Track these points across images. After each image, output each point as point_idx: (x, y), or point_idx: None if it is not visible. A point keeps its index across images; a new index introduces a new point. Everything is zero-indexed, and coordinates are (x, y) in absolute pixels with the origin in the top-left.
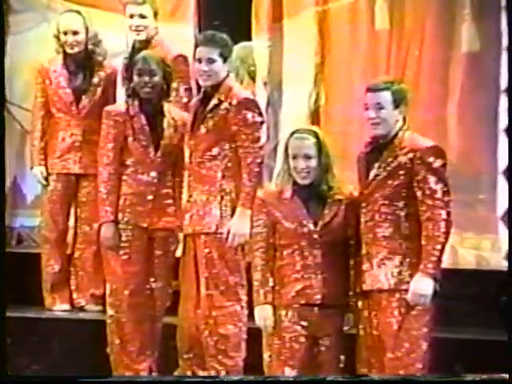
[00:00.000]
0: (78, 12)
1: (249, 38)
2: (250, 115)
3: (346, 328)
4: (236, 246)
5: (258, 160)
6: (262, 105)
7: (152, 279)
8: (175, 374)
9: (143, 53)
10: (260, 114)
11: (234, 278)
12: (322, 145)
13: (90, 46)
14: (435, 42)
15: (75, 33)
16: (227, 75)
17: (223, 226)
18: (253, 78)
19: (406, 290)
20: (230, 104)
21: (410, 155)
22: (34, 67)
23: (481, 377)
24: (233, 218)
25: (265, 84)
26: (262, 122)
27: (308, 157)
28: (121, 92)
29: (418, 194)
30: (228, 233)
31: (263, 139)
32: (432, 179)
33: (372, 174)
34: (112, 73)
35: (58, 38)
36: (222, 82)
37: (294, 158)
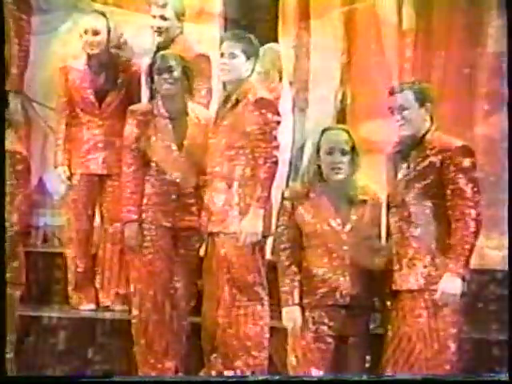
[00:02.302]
0: (103, 14)
1: (275, 38)
2: (265, 114)
3: (372, 326)
4: (248, 244)
5: (273, 159)
6: (288, 104)
7: (176, 278)
8: (201, 373)
9: (162, 52)
10: (276, 114)
11: (253, 278)
12: (354, 143)
13: (112, 49)
14: (462, 42)
15: (96, 33)
16: (250, 74)
17: None
18: (279, 78)
19: (435, 291)
20: (246, 103)
21: (440, 155)
22: (58, 66)
23: (482, 377)
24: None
25: (291, 84)
26: (278, 122)
27: (344, 152)
28: (145, 92)
29: (448, 193)
30: (240, 232)
31: (279, 139)
32: (462, 179)
33: (401, 174)
34: (136, 72)
35: (81, 37)
36: (243, 80)
37: (330, 153)
